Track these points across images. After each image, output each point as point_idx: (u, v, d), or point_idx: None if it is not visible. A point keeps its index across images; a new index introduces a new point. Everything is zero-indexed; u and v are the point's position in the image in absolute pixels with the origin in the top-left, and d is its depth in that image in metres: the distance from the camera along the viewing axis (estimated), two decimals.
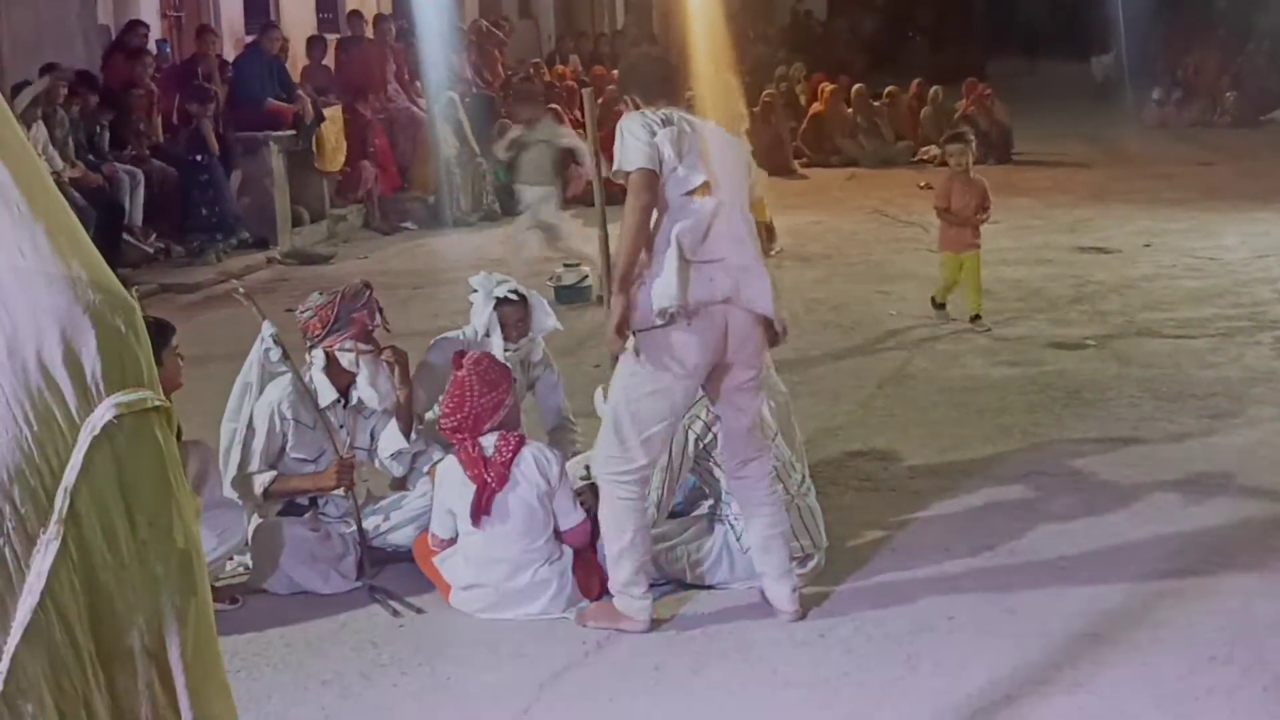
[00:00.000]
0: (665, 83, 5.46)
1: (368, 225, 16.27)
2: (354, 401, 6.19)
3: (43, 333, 2.15)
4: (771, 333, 5.37)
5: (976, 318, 10.30)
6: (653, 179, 5.11)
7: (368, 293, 6.24)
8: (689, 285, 5.11)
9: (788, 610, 5.44)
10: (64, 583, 2.14)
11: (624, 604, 5.40)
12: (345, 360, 6.13)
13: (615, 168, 5.24)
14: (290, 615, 5.69)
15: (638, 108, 5.36)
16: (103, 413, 2.18)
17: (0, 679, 2.08)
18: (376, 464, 6.34)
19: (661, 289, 5.11)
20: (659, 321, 5.14)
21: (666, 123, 5.19)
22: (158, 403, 2.26)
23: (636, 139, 5.14)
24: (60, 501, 2.13)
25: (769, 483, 5.50)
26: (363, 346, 6.13)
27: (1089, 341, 9.85)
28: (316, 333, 6.14)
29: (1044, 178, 19.10)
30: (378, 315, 6.20)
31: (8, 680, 2.08)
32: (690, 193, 5.18)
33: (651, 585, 5.71)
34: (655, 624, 5.40)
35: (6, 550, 2.11)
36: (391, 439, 6.23)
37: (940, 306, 10.51)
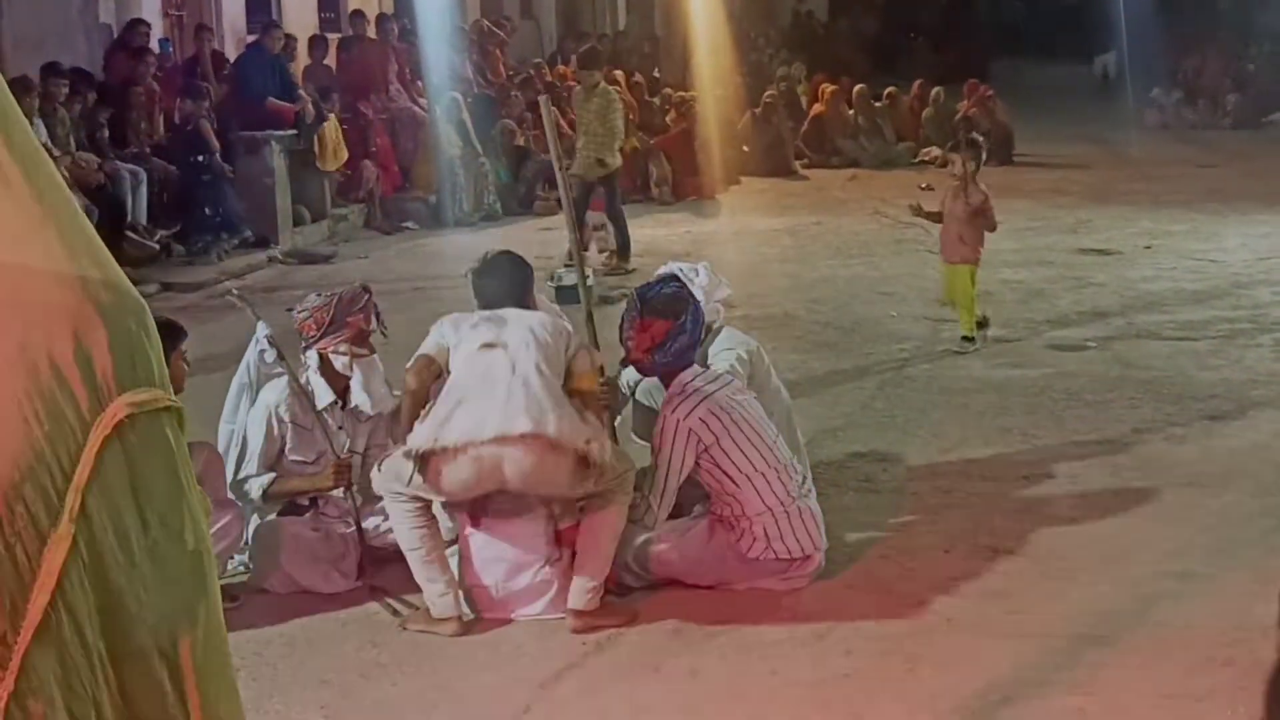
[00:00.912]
0: (503, 295, 5.80)
1: (369, 225, 16.27)
2: (352, 404, 6.19)
3: (54, 332, 2.16)
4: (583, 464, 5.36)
5: (966, 339, 9.69)
6: (428, 363, 5.63)
7: (366, 296, 6.22)
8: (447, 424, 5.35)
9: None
10: (74, 582, 2.14)
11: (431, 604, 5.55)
12: (339, 364, 6.11)
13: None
14: (290, 614, 5.71)
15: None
16: (114, 412, 2.18)
17: (11, 678, 2.08)
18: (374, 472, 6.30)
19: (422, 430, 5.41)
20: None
21: (458, 324, 5.67)
22: (169, 402, 2.27)
23: (430, 337, 5.73)
24: (71, 500, 2.14)
25: None
26: (358, 350, 6.12)
27: (1089, 343, 9.86)
28: (312, 334, 6.13)
29: (1045, 179, 19.11)
30: (374, 320, 6.20)
31: (19, 680, 2.08)
32: (476, 349, 5.51)
33: (651, 587, 5.74)
34: (463, 625, 5.47)
35: (17, 549, 2.11)
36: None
37: (981, 324, 9.78)
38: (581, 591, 5.46)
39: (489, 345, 5.48)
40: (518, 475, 5.33)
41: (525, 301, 5.81)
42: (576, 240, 6.46)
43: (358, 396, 6.15)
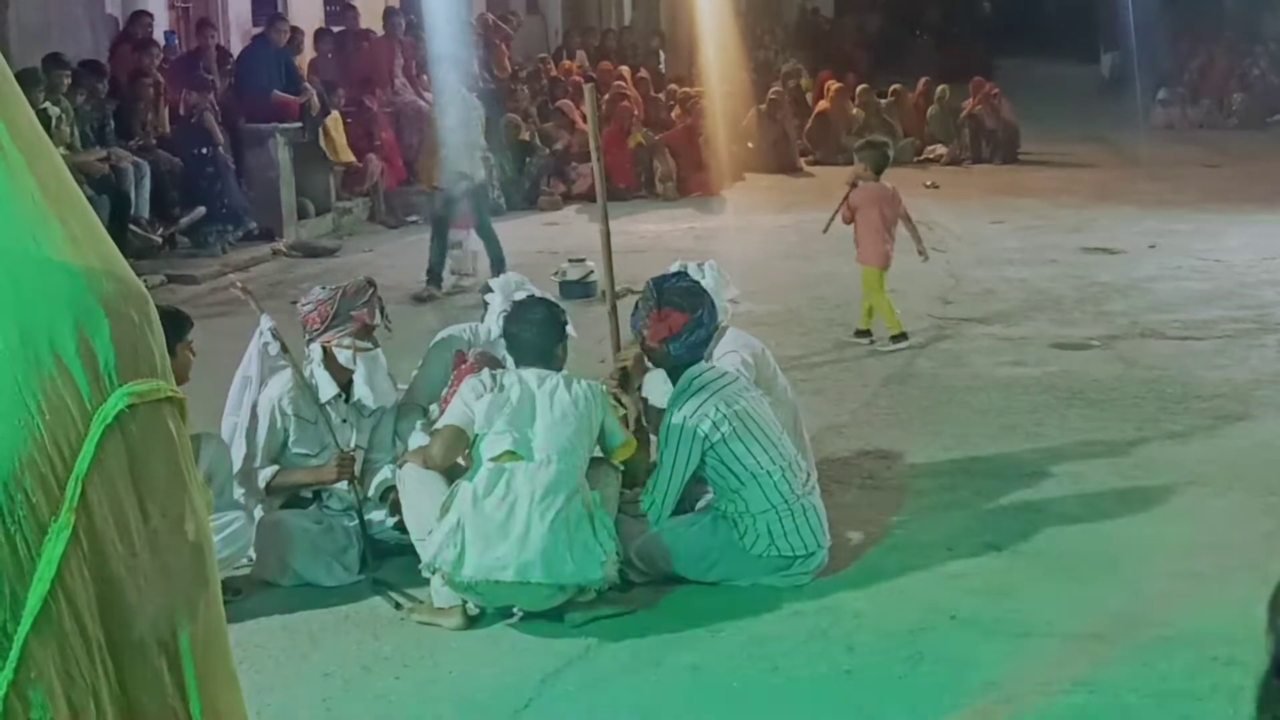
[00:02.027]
0: (539, 353, 5.77)
1: (373, 219, 16.26)
2: (355, 398, 6.19)
3: (56, 322, 2.16)
4: None
5: (862, 332, 9.86)
6: (458, 436, 5.59)
7: (370, 291, 6.21)
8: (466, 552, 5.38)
9: None
10: (74, 572, 2.14)
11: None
12: (343, 357, 6.11)
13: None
14: (293, 607, 5.70)
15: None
16: (115, 402, 2.18)
17: (10, 668, 2.08)
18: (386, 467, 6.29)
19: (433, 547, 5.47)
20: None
21: (497, 388, 5.60)
22: (171, 393, 2.27)
23: (461, 400, 5.67)
24: (72, 490, 2.14)
25: None
26: (361, 344, 6.11)
27: (1093, 342, 9.85)
28: (315, 327, 6.13)
29: (1050, 178, 19.09)
30: (378, 314, 6.18)
31: (18, 669, 2.09)
32: (494, 458, 5.48)
33: (654, 582, 5.74)
34: (467, 617, 5.46)
35: (18, 538, 2.11)
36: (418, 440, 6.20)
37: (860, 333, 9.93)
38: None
39: (509, 455, 5.46)
40: (531, 607, 5.46)
41: (554, 353, 5.80)
42: (605, 230, 6.43)
43: (360, 390, 6.15)
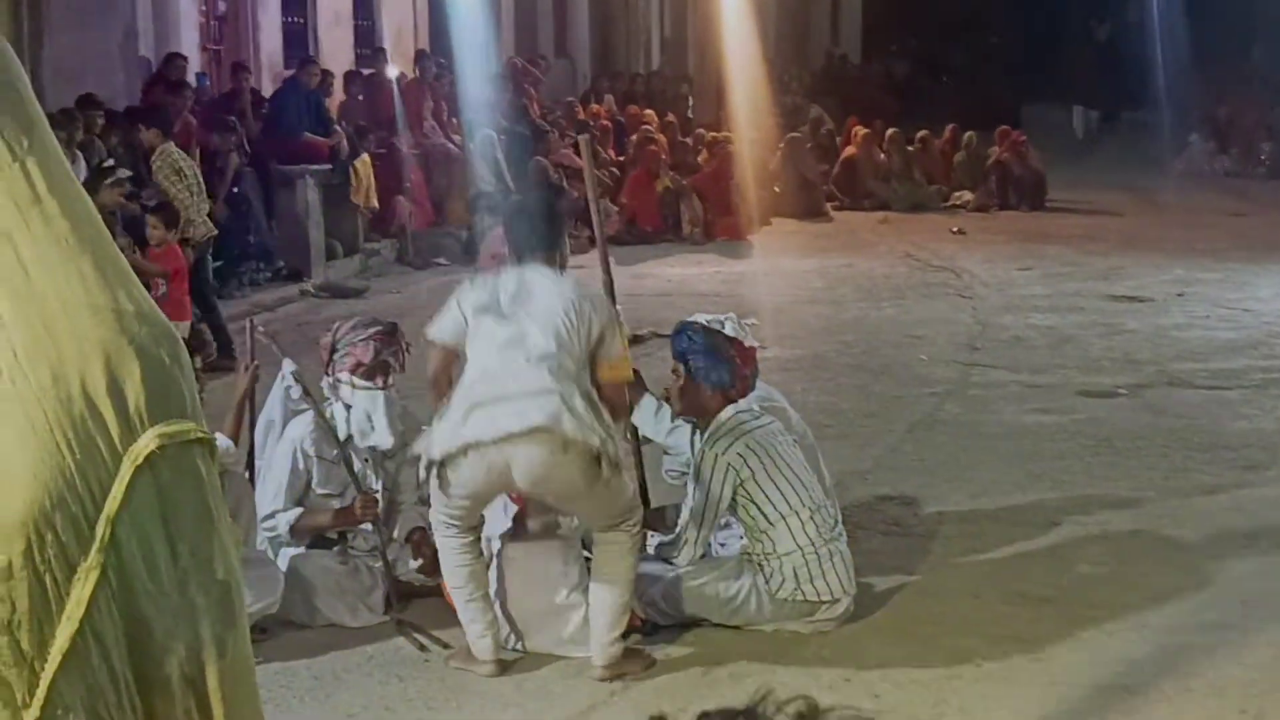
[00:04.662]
0: (539, 241, 5.56)
1: (401, 260, 16.33)
2: (354, 434, 6.15)
3: (88, 363, 2.18)
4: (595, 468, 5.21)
5: None
6: (444, 354, 5.48)
7: (373, 329, 6.19)
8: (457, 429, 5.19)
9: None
10: (103, 610, 2.15)
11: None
12: (343, 393, 6.11)
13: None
14: (317, 648, 5.70)
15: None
16: (145, 443, 2.20)
17: (38, 705, 2.09)
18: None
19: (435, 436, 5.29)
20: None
21: (476, 307, 5.41)
22: (201, 434, 2.28)
23: (454, 303, 5.48)
24: (101, 530, 2.15)
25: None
26: (359, 381, 6.11)
27: (1120, 390, 9.82)
28: (325, 361, 6.19)
29: (1076, 225, 19.07)
30: (371, 351, 6.12)
31: (45, 706, 2.10)
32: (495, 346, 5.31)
33: (678, 625, 5.72)
34: (502, 665, 5.40)
35: (47, 577, 2.13)
36: None
37: None
38: (603, 646, 5.40)
39: (509, 344, 5.27)
40: (526, 477, 5.18)
41: (557, 246, 5.60)
42: (608, 280, 6.44)
43: (353, 428, 6.09)
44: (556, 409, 5.12)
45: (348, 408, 6.10)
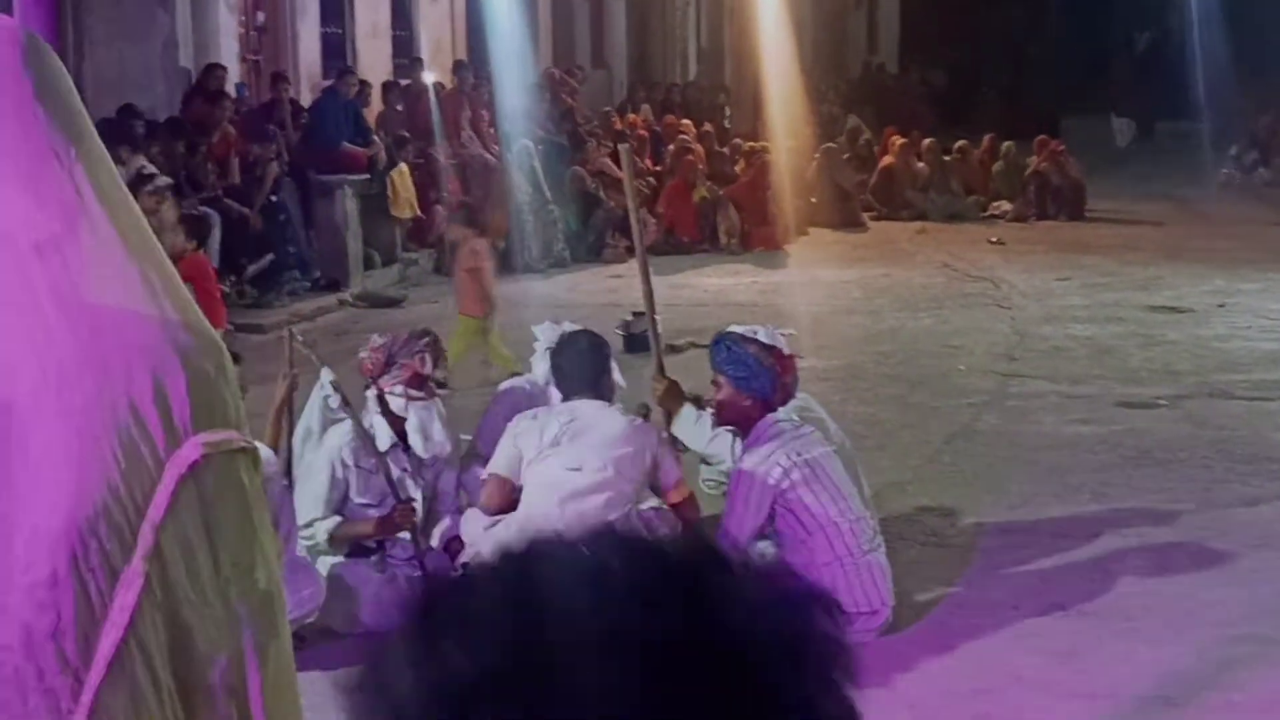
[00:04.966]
0: (587, 380, 5.96)
1: (439, 270, 16.35)
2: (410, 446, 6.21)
3: (133, 372, 2.19)
4: None
5: None
6: (502, 484, 5.84)
7: (425, 339, 6.25)
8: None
9: None
10: (147, 619, 2.16)
11: None
12: (395, 405, 6.15)
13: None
14: (355, 656, 5.68)
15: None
16: (189, 452, 2.21)
17: (83, 714, 2.10)
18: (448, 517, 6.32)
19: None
20: None
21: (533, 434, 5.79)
22: (244, 444, 2.29)
23: (510, 437, 5.91)
24: (146, 539, 2.16)
25: None
26: (413, 393, 6.14)
27: (1160, 401, 9.76)
28: (370, 374, 6.20)
29: (1116, 235, 18.97)
30: (429, 363, 6.20)
31: (91, 715, 2.11)
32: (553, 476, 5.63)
33: None
34: None
35: (90, 585, 2.14)
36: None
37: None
38: None
39: (566, 474, 5.56)
40: None
41: (602, 382, 5.89)
42: (647, 290, 6.47)
43: (412, 440, 6.16)
44: None
45: (400, 418, 6.14)
